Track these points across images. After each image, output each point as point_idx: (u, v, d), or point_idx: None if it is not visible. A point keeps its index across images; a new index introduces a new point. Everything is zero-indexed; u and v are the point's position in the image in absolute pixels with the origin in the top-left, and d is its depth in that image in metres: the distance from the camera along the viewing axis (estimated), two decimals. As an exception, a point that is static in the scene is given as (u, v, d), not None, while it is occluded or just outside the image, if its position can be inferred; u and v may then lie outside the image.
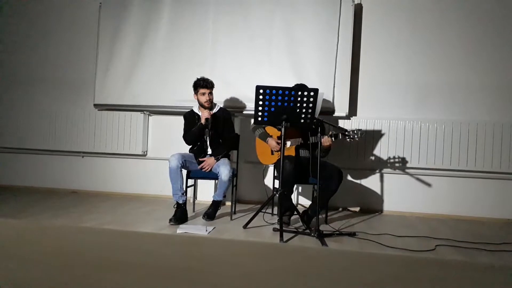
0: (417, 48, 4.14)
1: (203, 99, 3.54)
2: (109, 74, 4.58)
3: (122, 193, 4.68)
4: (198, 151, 3.64)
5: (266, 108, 2.97)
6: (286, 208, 3.34)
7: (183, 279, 0.91)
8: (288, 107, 2.96)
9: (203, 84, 3.53)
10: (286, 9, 4.19)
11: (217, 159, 3.54)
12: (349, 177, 4.20)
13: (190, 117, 3.68)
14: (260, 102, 2.95)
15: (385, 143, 4.08)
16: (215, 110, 3.67)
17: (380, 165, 4.13)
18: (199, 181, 4.15)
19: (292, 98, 2.94)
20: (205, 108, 3.59)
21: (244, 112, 4.23)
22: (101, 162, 4.79)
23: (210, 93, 3.56)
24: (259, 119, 3.02)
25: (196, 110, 3.69)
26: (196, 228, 3.15)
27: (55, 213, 3.58)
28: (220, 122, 3.65)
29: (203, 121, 3.51)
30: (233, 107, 4.16)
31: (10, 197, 4.30)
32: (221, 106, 3.83)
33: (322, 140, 3.13)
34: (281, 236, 2.83)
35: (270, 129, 3.56)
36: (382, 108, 4.19)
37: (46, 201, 4.17)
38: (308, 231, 3.00)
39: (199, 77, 3.58)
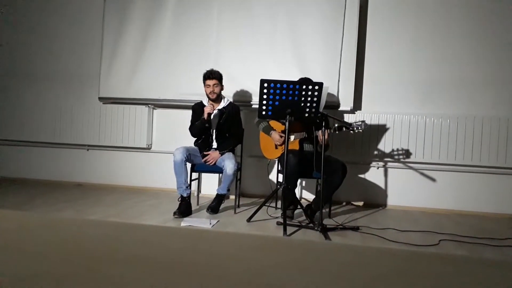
0: (423, 42, 4.10)
1: (208, 90, 3.56)
2: (113, 67, 4.59)
3: (127, 186, 4.71)
4: (202, 145, 3.64)
5: (271, 102, 2.96)
6: (290, 202, 3.34)
7: (187, 271, 0.92)
8: (292, 101, 2.95)
9: (208, 75, 3.54)
10: (290, 3, 4.17)
11: (222, 153, 3.54)
12: (353, 171, 4.18)
13: (197, 109, 3.67)
14: (265, 96, 2.94)
15: (389, 137, 4.07)
16: (224, 104, 3.66)
17: (384, 159, 4.11)
18: (203, 175, 4.16)
19: (296, 92, 2.93)
20: (210, 99, 3.60)
21: (249, 106, 4.22)
22: (106, 155, 4.81)
23: (216, 85, 3.55)
24: (263, 113, 3.01)
25: (205, 102, 3.68)
26: (200, 221, 3.16)
27: (60, 206, 3.60)
28: (228, 117, 3.64)
29: (205, 115, 3.51)
30: (238, 101, 4.16)
31: (16, 189, 4.34)
32: (231, 100, 3.81)
33: (318, 134, 3.14)
34: (285, 230, 2.83)
35: (274, 123, 3.55)
36: (387, 103, 4.17)
37: (51, 193, 4.20)
38: (311, 225, 3.01)
39: (208, 69, 3.58)
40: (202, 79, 3.60)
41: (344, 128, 3.16)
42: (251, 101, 4.20)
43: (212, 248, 1.13)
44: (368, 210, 3.96)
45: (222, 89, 3.64)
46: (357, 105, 4.18)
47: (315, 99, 2.96)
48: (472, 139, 3.91)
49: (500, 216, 3.89)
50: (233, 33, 4.30)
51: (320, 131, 3.14)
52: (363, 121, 3.11)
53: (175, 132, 4.47)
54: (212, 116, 3.59)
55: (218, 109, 3.63)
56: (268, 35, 4.22)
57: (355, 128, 3.12)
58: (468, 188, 4.00)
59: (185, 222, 3.09)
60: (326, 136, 3.14)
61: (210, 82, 3.54)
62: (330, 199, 3.51)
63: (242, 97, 4.22)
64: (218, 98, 3.63)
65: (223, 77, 3.67)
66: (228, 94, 4.12)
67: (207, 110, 3.52)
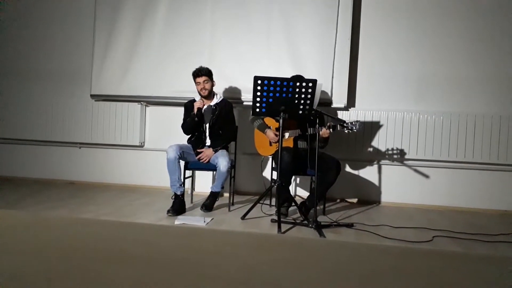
0: (417, 39, 4.12)
1: (199, 88, 3.56)
2: (106, 64, 4.54)
3: (120, 184, 4.68)
4: (196, 142, 3.63)
5: (264, 99, 2.95)
6: (284, 199, 3.34)
7: (181, 269, 0.91)
8: (286, 98, 2.94)
9: (196, 73, 3.54)
10: (284, 0, 4.15)
11: (215, 151, 3.53)
12: (347, 169, 4.20)
13: (189, 106, 3.66)
14: (258, 93, 2.93)
15: (383, 134, 4.08)
16: (216, 101, 3.65)
17: (378, 156, 4.13)
18: (197, 172, 4.14)
19: (290, 89, 2.92)
20: (202, 96, 3.59)
21: (240, 103, 4.21)
22: (99, 153, 4.77)
23: (206, 81, 3.54)
24: (257, 110, 3.00)
25: (197, 99, 3.67)
26: (194, 219, 3.15)
27: (53, 204, 3.57)
28: (221, 113, 3.63)
29: (195, 110, 3.51)
30: (232, 98, 4.14)
31: (7, 188, 4.29)
32: (223, 97, 3.80)
33: (320, 132, 3.12)
34: (279, 227, 2.83)
35: (268, 120, 3.55)
36: (381, 100, 4.18)
37: (44, 192, 4.16)
38: (306, 222, 3.01)
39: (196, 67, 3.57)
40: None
41: (338, 127, 3.15)
42: (244, 98, 4.19)
43: (206, 246, 1.12)
44: (362, 207, 3.97)
45: (213, 85, 3.62)
46: (351, 102, 4.18)
47: (309, 96, 2.95)
48: (465, 136, 3.93)
49: (493, 212, 3.92)
50: (227, 31, 4.27)
51: (323, 128, 3.12)
52: (357, 121, 3.11)
53: (168, 130, 4.44)
54: (204, 111, 3.58)
55: (211, 106, 3.62)
56: (262, 32, 4.20)
57: (350, 127, 3.11)
58: (461, 184, 4.03)
59: (179, 220, 3.08)
60: (328, 134, 3.14)
61: (200, 79, 3.53)
62: (324, 196, 3.51)
63: (233, 94, 4.20)
64: (210, 94, 3.62)
65: (217, 74, 3.65)
66: (220, 91, 4.10)
67: (196, 105, 3.52)
